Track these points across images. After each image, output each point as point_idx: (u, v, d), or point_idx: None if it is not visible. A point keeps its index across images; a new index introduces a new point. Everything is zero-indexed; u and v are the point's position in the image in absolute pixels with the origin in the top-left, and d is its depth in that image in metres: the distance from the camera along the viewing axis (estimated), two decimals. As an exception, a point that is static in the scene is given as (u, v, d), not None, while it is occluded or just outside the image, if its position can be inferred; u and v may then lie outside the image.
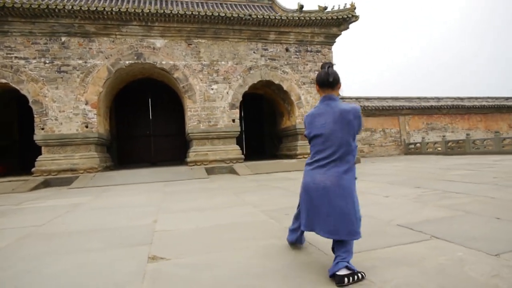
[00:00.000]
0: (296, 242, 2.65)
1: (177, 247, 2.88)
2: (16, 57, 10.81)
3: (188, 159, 12.26)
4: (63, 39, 11.13)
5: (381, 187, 5.81)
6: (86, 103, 11.23)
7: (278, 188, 6.69)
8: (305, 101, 13.67)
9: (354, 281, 1.89)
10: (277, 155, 15.80)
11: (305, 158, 13.23)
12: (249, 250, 2.65)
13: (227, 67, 12.80)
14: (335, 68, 2.51)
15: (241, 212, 4.35)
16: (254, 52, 13.12)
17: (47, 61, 10.99)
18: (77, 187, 9.17)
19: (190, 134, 12.45)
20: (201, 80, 12.49)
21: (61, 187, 9.69)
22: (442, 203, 4.05)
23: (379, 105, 19.64)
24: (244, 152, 17.89)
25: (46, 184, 9.98)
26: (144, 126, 16.82)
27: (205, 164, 12.10)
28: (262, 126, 19.12)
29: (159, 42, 12.00)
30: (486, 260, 2.12)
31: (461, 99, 22.96)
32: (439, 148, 17.53)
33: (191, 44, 12.39)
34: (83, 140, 11.12)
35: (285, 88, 13.43)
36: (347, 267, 1.94)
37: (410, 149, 19.62)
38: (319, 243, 2.68)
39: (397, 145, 20.08)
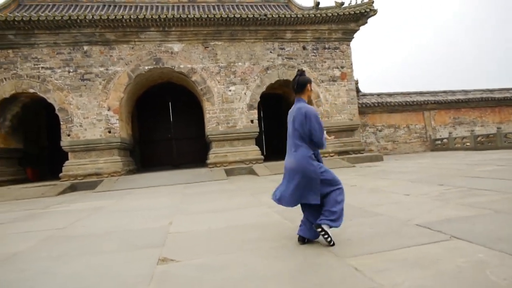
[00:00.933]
0: (305, 236, 2.72)
1: (189, 249, 2.88)
2: (42, 67, 11.30)
3: (208, 161, 12.37)
4: (85, 48, 11.53)
5: (402, 185, 5.60)
6: (109, 109, 11.57)
7: (296, 188, 6.59)
8: (324, 99, 13.46)
9: (326, 235, 2.54)
10: (297, 155, 15.63)
11: (325, 157, 13.02)
12: (260, 251, 2.60)
13: (244, 68, 12.81)
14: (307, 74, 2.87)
15: (256, 213, 4.31)
16: (270, 52, 13.06)
17: (71, 70, 11.43)
18: (101, 190, 9.45)
19: (209, 136, 12.56)
20: (218, 82, 12.57)
21: (87, 191, 10.03)
22: (466, 201, 3.84)
23: (402, 101, 19.02)
24: (264, 153, 17.87)
25: (73, 188, 10.35)
26: (165, 130, 17.14)
27: (224, 166, 12.16)
28: (282, 126, 19.00)
29: (176, 47, 12.19)
30: (511, 263, 1.97)
31: (491, 91, 21.85)
32: (468, 144, 16.76)
33: (208, 47, 12.50)
34: (107, 145, 11.47)
35: (303, 87, 13.25)
36: (329, 225, 2.57)
37: (436, 145, 18.88)
38: (331, 245, 2.59)
39: (423, 142, 19.38)
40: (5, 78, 11.11)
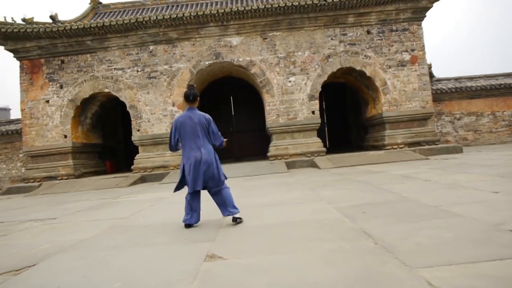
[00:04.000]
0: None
1: (238, 246, 2.73)
2: (115, 68, 12.24)
3: (269, 154, 12.27)
4: (151, 47, 12.18)
5: (488, 181, 4.78)
6: (173, 105, 12.11)
7: (359, 182, 6.10)
8: (392, 86, 12.38)
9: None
10: (363, 147, 14.75)
11: (394, 149, 12.03)
12: (313, 254, 2.33)
13: (304, 58, 12.36)
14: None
15: (314, 208, 4.01)
16: (331, 39, 12.39)
17: (139, 69, 12.18)
18: (166, 182, 9.93)
19: (269, 129, 12.43)
20: (278, 73, 12.33)
21: (154, 182, 10.64)
22: None
23: (486, 85, 16.72)
24: (327, 145, 17.22)
25: (142, 180, 11.08)
26: (227, 123, 17.45)
27: (285, 158, 11.94)
28: (346, 117, 18.10)
29: (235, 40, 12.22)
30: None
31: None
32: None
33: (266, 38, 12.31)
34: (172, 139, 12.03)
35: (368, 74, 12.37)
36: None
37: (531, 135, 16.27)
38: (397, 250, 2.21)
39: (513, 130, 16.85)
40: (84, 80, 12.28)
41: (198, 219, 3.66)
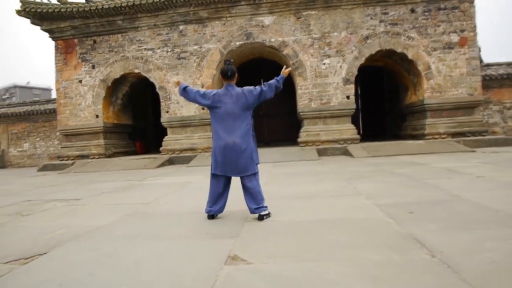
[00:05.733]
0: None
1: (265, 245, 2.39)
2: (145, 48, 12.12)
3: (299, 139, 11.80)
4: (181, 27, 11.89)
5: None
6: (202, 86, 11.84)
7: (400, 174, 5.54)
8: (437, 71, 11.35)
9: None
10: (400, 136, 13.86)
11: (436, 139, 11.14)
12: (354, 265, 1.94)
13: (340, 39, 11.58)
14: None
15: (351, 204, 3.58)
16: (371, 18, 11.48)
17: (169, 50, 11.98)
18: (194, 165, 9.79)
19: (301, 113, 11.91)
20: (311, 55, 11.67)
21: (182, 165, 10.54)
22: None
23: (544, 70, 15.04)
24: (361, 132, 16.42)
25: (170, 161, 11.04)
26: (257, 107, 17.05)
27: (316, 145, 11.42)
28: (383, 103, 17.10)
29: (267, 20, 11.65)
30: None
31: None
32: None
33: (300, 18, 11.63)
34: (200, 122, 11.87)
35: (410, 56, 11.40)
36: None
37: None
38: (463, 270, 1.76)
39: None
40: (116, 61, 12.28)
41: (222, 210, 3.34)
